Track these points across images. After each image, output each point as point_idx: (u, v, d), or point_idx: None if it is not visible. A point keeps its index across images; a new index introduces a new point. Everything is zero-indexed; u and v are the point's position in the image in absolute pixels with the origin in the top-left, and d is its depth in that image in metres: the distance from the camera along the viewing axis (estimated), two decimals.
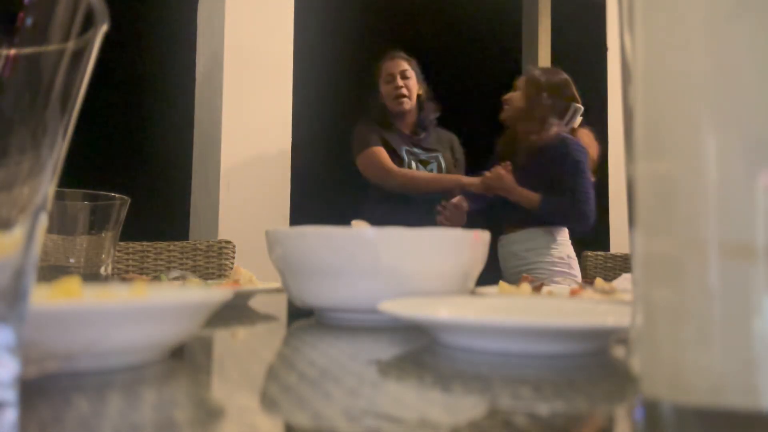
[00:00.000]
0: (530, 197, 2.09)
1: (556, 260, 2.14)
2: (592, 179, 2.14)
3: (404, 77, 2.23)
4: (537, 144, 2.14)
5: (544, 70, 2.34)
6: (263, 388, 0.36)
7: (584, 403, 0.31)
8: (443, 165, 2.24)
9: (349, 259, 0.65)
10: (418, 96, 2.27)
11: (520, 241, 2.20)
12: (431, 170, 2.21)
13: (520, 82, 2.27)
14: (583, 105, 2.27)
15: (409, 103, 2.24)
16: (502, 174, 2.09)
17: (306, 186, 2.56)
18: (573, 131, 2.21)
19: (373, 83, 2.29)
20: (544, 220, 2.13)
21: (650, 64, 0.22)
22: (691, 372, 0.20)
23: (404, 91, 2.21)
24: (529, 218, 2.14)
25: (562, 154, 2.10)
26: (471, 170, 2.35)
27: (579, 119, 2.25)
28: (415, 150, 2.22)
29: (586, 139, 2.23)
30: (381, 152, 2.14)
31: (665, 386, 0.21)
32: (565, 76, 2.26)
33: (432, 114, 2.30)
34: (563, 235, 2.18)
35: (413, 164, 2.17)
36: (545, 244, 2.16)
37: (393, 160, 2.15)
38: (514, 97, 2.25)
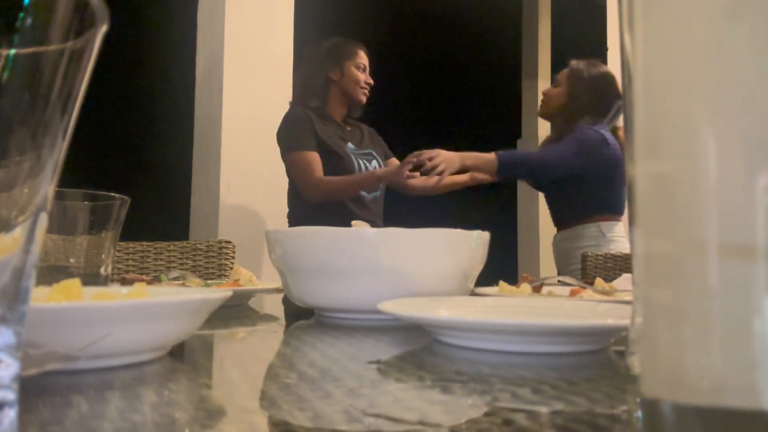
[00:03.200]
0: (488, 159, 1.99)
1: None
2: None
3: (367, 72, 2.18)
4: (558, 128, 2.13)
5: (588, 63, 2.20)
6: (263, 388, 0.36)
7: (584, 403, 0.31)
8: (380, 161, 2.17)
9: (349, 259, 0.65)
10: None
11: (571, 239, 2.20)
12: (374, 167, 2.10)
13: (562, 75, 2.19)
14: None
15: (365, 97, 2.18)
16: (421, 153, 1.94)
17: None
18: (615, 129, 2.15)
19: (330, 62, 2.13)
20: (509, 175, 2.07)
21: (650, 64, 0.22)
22: (691, 372, 0.20)
23: (368, 85, 2.16)
24: (576, 214, 2.11)
25: (574, 138, 2.03)
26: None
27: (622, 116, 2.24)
28: (349, 146, 2.11)
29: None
30: (314, 161, 1.99)
31: (665, 386, 0.21)
32: (607, 70, 2.16)
33: (359, 111, 2.21)
34: (616, 231, 2.13)
35: (361, 164, 2.08)
36: (595, 242, 2.13)
37: (342, 160, 2.04)
38: (553, 93, 2.18)
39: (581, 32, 4.00)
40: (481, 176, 2.06)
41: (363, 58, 2.16)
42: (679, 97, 0.21)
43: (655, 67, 0.21)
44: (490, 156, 2.00)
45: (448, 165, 1.92)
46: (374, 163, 2.13)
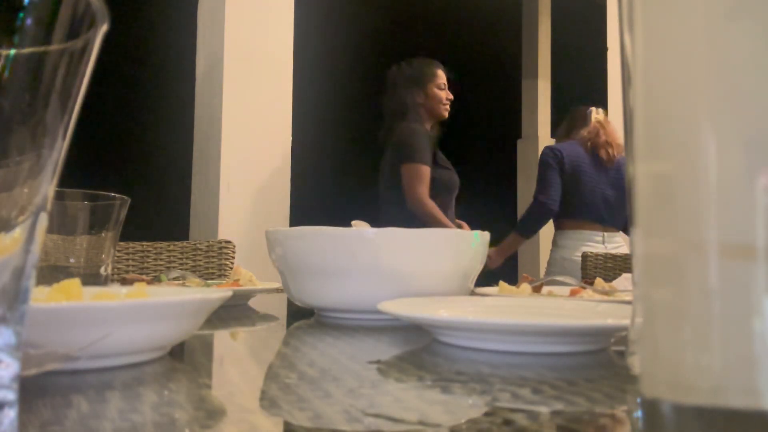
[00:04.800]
0: (514, 238, 2.45)
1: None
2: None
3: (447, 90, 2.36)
4: None
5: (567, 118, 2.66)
6: (263, 388, 0.36)
7: (584, 403, 0.31)
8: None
9: (349, 259, 0.65)
10: None
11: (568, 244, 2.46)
12: (455, 182, 2.30)
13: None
14: (580, 104, 2.53)
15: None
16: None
17: (306, 186, 2.56)
18: (602, 125, 2.42)
19: (410, 86, 2.33)
20: (529, 231, 2.47)
21: (650, 64, 0.22)
22: (691, 372, 0.20)
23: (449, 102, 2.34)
24: (574, 218, 2.38)
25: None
26: (464, 169, 2.44)
27: (594, 114, 2.46)
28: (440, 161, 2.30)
29: (597, 125, 2.43)
30: (426, 175, 2.19)
31: (665, 386, 0.21)
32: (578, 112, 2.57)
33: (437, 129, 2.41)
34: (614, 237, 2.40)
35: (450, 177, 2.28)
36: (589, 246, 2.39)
37: (452, 175, 2.27)
38: None
39: (581, 32, 4.00)
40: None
41: (442, 77, 2.35)
42: (679, 97, 0.21)
43: (655, 67, 0.21)
44: (513, 236, 2.45)
45: (492, 263, 2.36)
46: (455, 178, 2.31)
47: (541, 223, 2.48)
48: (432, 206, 2.18)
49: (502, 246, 2.43)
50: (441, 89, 2.33)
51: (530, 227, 2.47)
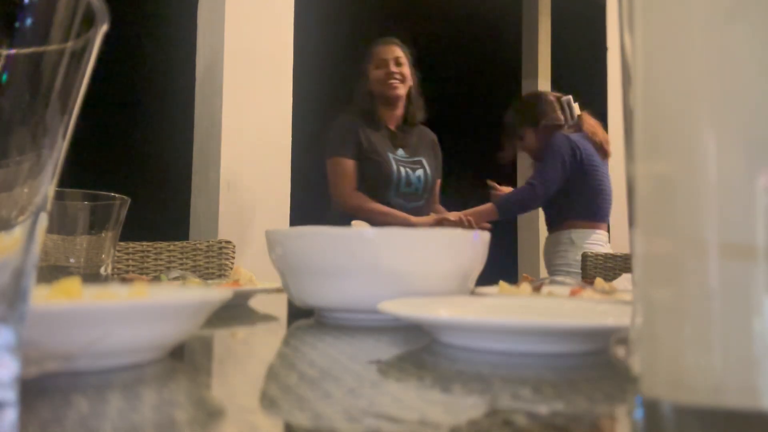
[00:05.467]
0: (488, 209, 2.22)
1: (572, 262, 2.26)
2: (599, 162, 2.27)
3: (398, 64, 2.12)
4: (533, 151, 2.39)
5: (515, 106, 2.48)
6: (263, 388, 0.36)
7: (584, 403, 0.31)
8: (429, 172, 2.16)
9: (349, 259, 0.65)
10: (408, 90, 2.16)
11: (550, 244, 2.38)
12: (419, 176, 2.11)
13: (509, 138, 2.46)
14: (579, 103, 2.39)
15: (402, 89, 2.12)
16: (451, 220, 2.13)
17: (306, 186, 2.56)
18: (580, 118, 2.31)
19: (362, 70, 2.17)
20: (508, 214, 2.30)
21: (650, 64, 0.22)
22: (691, 372, 0.20)
23: (397, 76, 2.11)
24: (555, 220, 2.30)
25: (550, 149, 2.25)
26: (464, 169, 2.39)
27: (576, 105, 2.33)
28: (400, 152, 2.12)
29: (592, 121, 2.33)
30: (346, 168, 2.05)
31: (665, 386, 0.21)
32: (533, 94, 2.49)
33: (420, 112, 2.20)
34: (590, 239, 2.28)
35: (402, 172, 2.08)
36: (564, 248, 2.30)
37: (381, 166, 2.06)
38: (527, 146, 2.40)
39: (581, 32, 4.00)
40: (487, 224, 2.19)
41: (381, 53, 2.13)
42: (679, 97, 0.21)
43: (655, 67, 0.21)
44: (488, 206, 2.23)
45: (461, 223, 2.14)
46: (419, 172, 2.12)
47: (524, 211, 2.37)
48: (358, 198, 2.04)
49: (475, 211, 2.22)
50: (380, 68, 2.12)
51: (511, 210, 2.31)
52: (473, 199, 2.36)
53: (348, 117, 2.11)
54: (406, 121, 2.17)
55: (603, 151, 2.29)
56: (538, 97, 2.44)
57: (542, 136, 2.31)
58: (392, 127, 2.15)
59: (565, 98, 2.34)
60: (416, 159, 2.14)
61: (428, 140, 2.24)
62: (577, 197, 2.24)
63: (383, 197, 2.06)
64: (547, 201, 2.30)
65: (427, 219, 2.08)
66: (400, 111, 2.15)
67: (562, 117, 2.31)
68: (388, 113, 2.14)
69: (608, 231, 2.37)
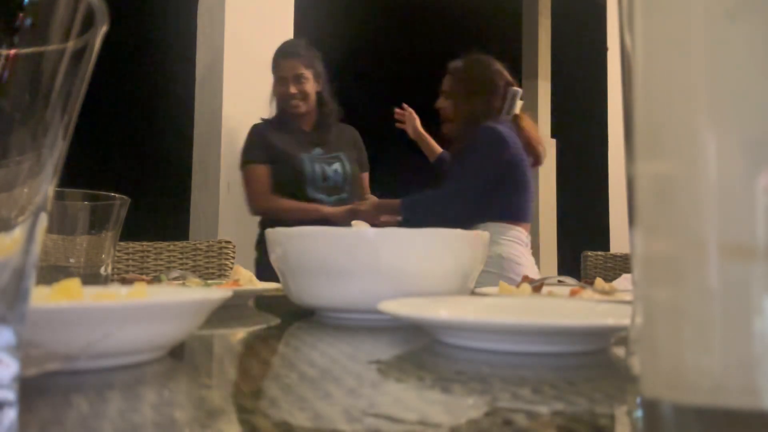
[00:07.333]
0: (392, 204, 1.99)
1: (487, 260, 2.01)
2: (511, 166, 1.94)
3: (297, 82, 2.06)
4: (459, 137, 2.03)
5: (466, 58, 2.12)
6: (263, 388, 0.36)
7: (584, 403, 0.31)
8: (347, 165, 2.10)
9: (349, 259, 0.65)
10: (318, 94, 2.11)
11: None
12: (335, 170, 2.06)
13: (445, 84, 2.11)
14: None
15: (304, 106, 2.08)
16: (361, 210, 1.96)
17: None
18: (516, 117, 2.04)
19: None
20: (414, 216, 1.96)
21: (650, 64, 0.22)
22: (691, 372, 0.20)
23: (297, 96, 2.07)
24: (475, 217, 1.95)
25: (473, 143, 1.94)
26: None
27: (520, 103, 2.06)
28: (316, 152, 2.08)
29: (530, 124, 2.06)
30: (257, 173, 2.03)
31: (665, 386, 0.21)
32: (483, 57, 2.09)
33: (333, 115, 2.15)
34: (508, 235, 1.97)
35: (316, 168, 2.04)
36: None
37: (293, 165, 2.02)
38: (445, 105, 2.10)
39: (581, 32, 4.01)
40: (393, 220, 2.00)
41: (280, 69, 2.07)
42: (679, 97, 0.21)
43: (655, 67, 0.21)
44: (396, 202, 1.99)
45: (368, 216, 1.87)
46: (335, 165, 2.08)
47: (433, 218, 1.87)
48: (270, 200, 2.02)
49: (383, 204, 2.00)
50: (281, 84, 2.07)
51: (415, 213, 1.94)
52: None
53: (258, 124, 2.11)
54: (319, 125, 2.13)
55: (534, 155, 2.03)
56: (488, 65, 2.09)
57: (467, 120, 2.00)
58: (307, 129, 2.13)
59: (514, 89, 2.05)
60: (333, 155, 2.10)
61: (348, 137, 2.20)
62: (499, 194, 1.96)
63: (301, 195, 2.03)
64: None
65: (340, 209, 1.99)
66: (312, 115, 2.13)
67: (498, 104, 2.03)
68: (300, 118, 2.12)
69: (529, 232, 2.06)
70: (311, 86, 2.09)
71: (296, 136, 2.09)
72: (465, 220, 1.87)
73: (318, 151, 2.09)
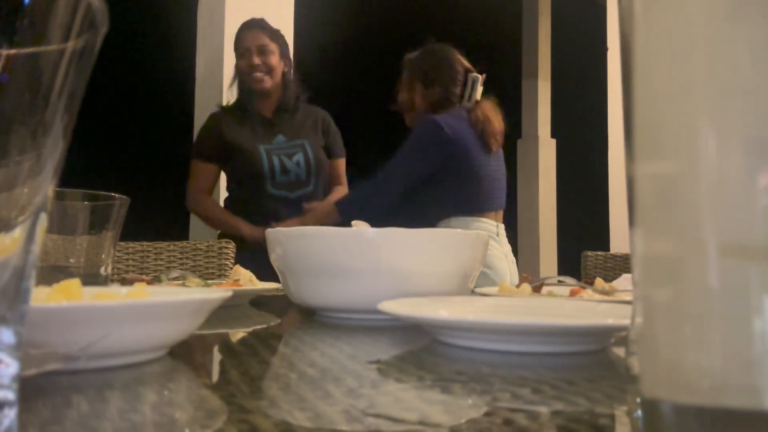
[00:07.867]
0: (328, 210, 1.88)
1: None
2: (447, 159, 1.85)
3: (261, 53, 1.92)
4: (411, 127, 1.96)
5: (423, 53, 2.04)
6: (263, 388, 0.36)
7: (584, 403, 0.31)
8: (310, 153, 1.95)
9: (349, 259, 0.65)
10: (283, 74, 1.98)
11: None
12: (296, 162, 1.92)
13: (403, 74, 2.03)
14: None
15: (269, 81, 1.93)
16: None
17: None
18: (477, 104, 1.94)
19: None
20: (350, 218, 1.85)
21: (650, 64, 0.22)
22: (691, 372, 0.20)
23: (261, 68, 1.91)
24: (429, 215, 1.87)
25: (410, 135, 1.88)
26: None
27: (480, 89, 1.98)
28: (277, 141, 1.94)
29: (489, 111, 1.96)
30: (199, 171, 1.97)
31: (665, 386, 0.21)
32: (445, 53, 2.00)
33: (296, 96, 2.01)
34: (466, 227, 1.86)
35: (275, 161, 1.91)
36: None
37: (248, 160, 1.90)
38: (404, 98, 2.02)
39: (581, 32, 4.01)
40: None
41: (243, 39, 1.94)
42: (679, 97, 0.21)
43: (655, 67, 0.21)
44: (330, 209, 1.88)
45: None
46: (297, 156, 1.94)
47: (371, 210, 1.80)
48: (203, 205, 1.98)
49: (317, 215, 1.87)
50: (243, 57, 1.93)
51: (351, 210, 1.80)
52: None
53: (214, 113, 1.99)
54: (281, 108, 1.99)
55: (486, 143, 1.90)
56: (445, 54, 2.01)
57: (427, 110, 1.93)
58: (268, 114, 1.99)
59: (473, 75, 1.97)
60: (296, 143, 1.96)
61: (314, 119, 2.04)
62: (447, 188, 1.87)
63: (260, 192, 1.91)
64: (411, 195, 1.89)
65: (259, 230, 1.75)
66: (275, 98, 1.98)
67: (458, 92, 1.95)
68: (261, 102, 1.97)
69: (502, 220, 2.01)
70: (276, 60, 1.95)
71: (255, 124, 1.96)
72: (418, 217, 1.81)
73: (280, 139, 1.95)
